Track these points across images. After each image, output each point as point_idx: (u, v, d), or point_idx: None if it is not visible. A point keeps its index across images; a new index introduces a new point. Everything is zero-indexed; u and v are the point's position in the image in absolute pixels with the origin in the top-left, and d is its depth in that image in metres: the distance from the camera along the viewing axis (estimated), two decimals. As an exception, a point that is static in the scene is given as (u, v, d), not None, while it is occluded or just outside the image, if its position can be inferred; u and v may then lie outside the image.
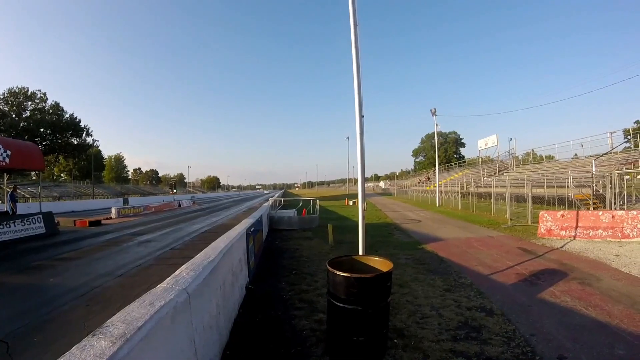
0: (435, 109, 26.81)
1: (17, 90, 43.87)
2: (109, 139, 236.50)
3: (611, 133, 22.12)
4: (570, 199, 15.68)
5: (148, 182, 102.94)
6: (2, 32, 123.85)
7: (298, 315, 4.13)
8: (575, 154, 26.45)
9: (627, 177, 13.37)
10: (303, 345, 3.35)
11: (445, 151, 72.18)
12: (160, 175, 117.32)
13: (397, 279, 5.39)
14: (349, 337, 2.93)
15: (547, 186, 19.41)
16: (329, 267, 3.09)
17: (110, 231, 13.62)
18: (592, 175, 15.86)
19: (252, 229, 6.16)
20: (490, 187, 20.04)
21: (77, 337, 1.62)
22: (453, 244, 9.05)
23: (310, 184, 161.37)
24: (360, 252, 4.86)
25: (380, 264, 3.43)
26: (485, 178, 32.07)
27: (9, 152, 11.07)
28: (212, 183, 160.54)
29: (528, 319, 3.91)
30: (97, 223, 16.14)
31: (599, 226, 8.86)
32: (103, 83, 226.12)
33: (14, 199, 13.54)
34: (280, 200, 21.72)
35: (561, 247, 8.13)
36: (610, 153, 21.51)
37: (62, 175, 63.98)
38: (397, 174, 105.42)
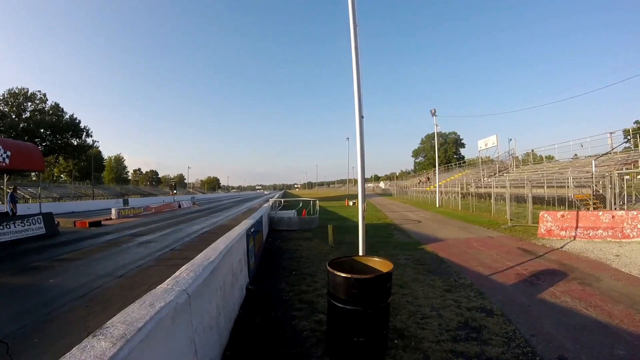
0: (435, 109, 26.85)
1: (17, 91, 43.90)
2: (108, 139, 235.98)
3: (611, 133, 22.17)
4: (570, 199, 15.69)
5: (148, 183, 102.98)
6: (2, 33, 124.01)
7: (298, 315, 4.13)
8: (575, 154, 26.50)
9: (627, 177, 13.38)
10: (303, 346, 3.35)
11: (445, 152, 72.22)
12: (160, 176, 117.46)
13: (397, 280, 5.39)
14: (349, 337, 2.93)
15: (547, 186, 19.42)
16: (329, 268, 3.09)
17: (110, 232, 13.62)
18: (592, 175, 15.87)
19: (252, 230, 6.16)
20: (490, 187, 20.06)
21: (77, 338, 1.63)
22: (453, 244, 9.05)
23: (310, 185, 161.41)
24: (361, 253, 4.86)
25: (381, 264, 3.43)
26: (485, 178, 32.08)
27: (9, 153, 11.07)
28: (212, 184, 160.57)
29: (528, 320, 3.91)
30: (97, 224, 16.14)
31: (599, 226, 8.86)
32: (103, 83, 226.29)
33: (14, 200, 13.55)
34: (280, 201, 21.76)
35: (561, 248, 8.13)
36: (610, 153, 21.53)
37: (62, 176, 63.97)
38: (397, 174, 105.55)
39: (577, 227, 9.13)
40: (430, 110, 26.98)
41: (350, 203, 28.14)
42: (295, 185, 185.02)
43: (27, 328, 4.03)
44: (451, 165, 55.27)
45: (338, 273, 2.96)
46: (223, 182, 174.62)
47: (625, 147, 22.98)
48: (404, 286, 5.23)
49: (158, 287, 2.17)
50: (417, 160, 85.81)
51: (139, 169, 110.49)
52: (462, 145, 78.02)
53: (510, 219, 12.66)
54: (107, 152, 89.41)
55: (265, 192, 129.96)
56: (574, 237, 9.02)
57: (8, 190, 14.48)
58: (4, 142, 11.58)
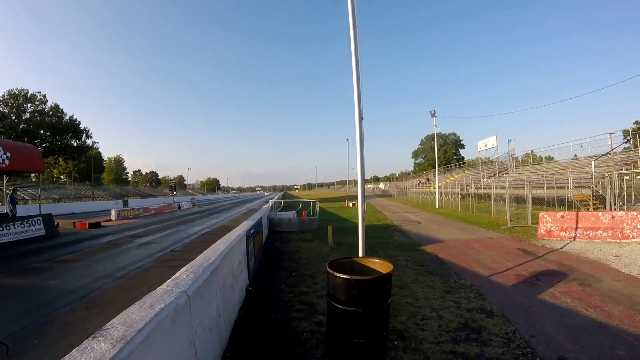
0: (434, 110, 26.87)
1: (16, 92, 43.95)
2: (108, 140, 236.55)
3: (610, 134, 22.21)
4: (570, 200, 15.70)
5: (148, 184, 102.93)
6: (2, 33, 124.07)
7: (298, 317, 4.13)
8: (575, 155, 26.51)
9: (627, 177, 13.38)
10: (303, 347, 3.35)
11: (444, 152, 72.28)
12: (160, 177, 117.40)
13: (397, 281, 5.39)
14: (349, 339, 2.92)
15: (546, 187, 19.42)
16: (328, 269, 3.09)
17: (109, 233, 13.61)
18: (591, 176, 15.88)
19: (251, 231, 6.16)
20: (490, 188, 20.08)
21: (77, 339, 1.63)
22: (453, 245, 9.05)
23: (310, 186, 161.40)
24: (360, 254, 4.86)
25: (380, 265, 3.43)
26: (485, 179, 32.09)
27: (8, 154, 11.07)
28: (212, 185, 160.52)
29: (528, 320, 3.91)
30: (97, 225, 16.12)
31: (599, 227, 8.87)
32: (103, 84, 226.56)
33: (13, 201, 13.53)
34: (280, 202, 21.77)
35: (561, 248, 8.13)
36: (610, 154, 21.56)
37: (61, 177, 63.91)
38: (397, 175, 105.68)
39: (576, 227, 9.14)
40: (430, 111, 27.02)
41: (350, 204, 28.14)
42: (295, 187, 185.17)
43: (27, 329, 4.02)
44: (451, 166, 55.29)
45: (338, 274, 2.96)
46: (223, 183, 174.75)
47: (624, 147, 23.03)
48: (403, 287, 5.23)
49: (158, 288, 2.17)
50: (417, 161, 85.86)
51: (139, 170, 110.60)
52: (462, 146, 78.16)
53: (510, 220, 12.66)
54: (107, 153, 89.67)
55: (265, 193, 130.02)
56: (574, 238, 9.02)
57: (8, 192, 14.47)
58: (3, 143, 11.58)
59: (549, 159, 29.61)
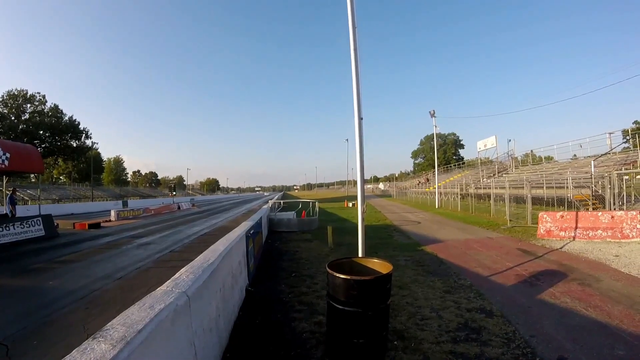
0: (434, 110, 26.86)
1: (16, 93, 43.94)
2: (108, 141, 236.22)
3: (610, 133, 22.21)
4: (569, 200, 15.72)
5: (147, 185, 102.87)
6: (1, 33, 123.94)
7: (298, 317, 4.13)
8: (574, 155, 26.52)
9: (626, 177, 13.41)
10: (303, 348, 3.35)
11: (444, 152, 72.30)
12: (159, 177, 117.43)
13: (396, 281, 5.39)
14: (348, 339, 2.93)
15: (546, 187, 19.44)
16: (328, 270, 3.09)
17: (109, 234, 13.60)
18: (591, 175, 15.90)
19: (251, 232, 6.16)
20: (490, 188, 20.10)
21: (77, 340, 1.63)
22: (452, 245, 9.06)
23: (309, 186, 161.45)
24: (360, 254, 4.86)
25: (380, 266, 3.43)
26: (485, 179, 32.11)
27: (8, 155, 11.07)
28: (212, 185, 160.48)
29: (528, 320, 3.91)
30: (97, 225, 16.11)
31: (599, 227, 8.87)
32: (102, 85, 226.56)
33: (13, 202, 13.53)
34: (280, 203, 21.76)
35: (561, 248, 8.14)
36: (609, 153, 21.58)
37: (61, 177, 63.88)
38: (397, 175, 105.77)
39: (576, 227, 9.15)
40: (430, 112, 27.01)
41: (350, 204, 28.14)
42: (295, 187, 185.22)
43: (27, 330, 4.02)
44: (450, 166, 55.33)
45: (337, 274, 2.96)
46: (222, 184, 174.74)
47: (624, 147, 23.04)
48: (403, 287, 5.23)
49: (158, 289, 2.17)
50: (417, 162, 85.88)
51: (138, 171, 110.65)
52: (462, 146, 78.17)
53: (510, 220, 12.67)
54: (107, 153, 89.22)
55: (265, 194, 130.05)
56: (574, 238, 9.03)
57: (7, 192, 14.46)
58: (3, 143, 11.58)
59: (549, 159, 29.64)
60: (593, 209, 13.50)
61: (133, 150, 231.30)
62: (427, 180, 49.92)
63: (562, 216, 9.63)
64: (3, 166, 10.90)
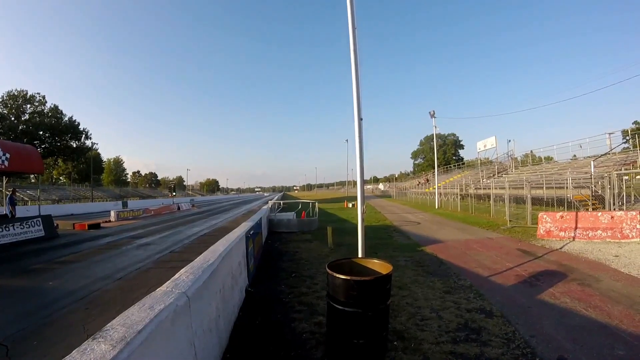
0: (434, 111, 26.87)
1: (16, 93, 43.94)
2: (108, 141, 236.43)
3: (610, 134, 22.24)
4: (569, 200, 15.72)
5: (147, 185, 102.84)
6: (1, 33, 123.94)
7: (298, 318, 4.12)
8: (574, 155, 26.53)
9: (626, 177, 13.42)
10: (303, 348, 3.35)
11: (444, 153, 72.34)
12: (159, 178, 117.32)
13: (396, 281, 5.39)
14: (348, 339, 2.93)
15: (546, 187, 19.44)
16: (328, 270, 3.09)
17: (109, 234, 13.60)
18: (590, 176, 15.90)
19: (251, 232, 6.16)
20: (489, 188, 20.10)
21: (77, 340, 1.63)
22: (452, 245, 9.06)
23: (309, 187, 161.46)
24: (360, 255, 4.86)
25: (380, 266, 3.43)
26: (484, 180, 32.12)
27: (8, 155, 11.07)
28: (211, 186, 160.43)
29: (528, 320, 3.91)
30: (96, 226, 16.10)
31: (598, 227, 8.88)
32: (102, 85, 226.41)
33: (13, 202, 13.51)
34: (280, 203, 21.75)
35: (560, 248, 8.14)
36: (609, 154, 21.59)
37: (61, 178, 63.85)
38: (396, 176, 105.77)
39: (576, 227, 9.15)
40: (429, 112, 27.03)
41: (350, 205, 28.13)
42: (295, 187, 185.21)
43: (27, 330, 4.02)
44: (450, 167, 55.36)
45: (337, 275, 2.96)
46: (222, 184, 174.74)
47: (624, 147, 23.05)
48: (403, 288, 5.23)
49: (158, 289, 2.17)
50: (416, 162, 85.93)
51: (138, 171, 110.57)
52: (461, 147, 78.22)
53: (510, 220, 12.67)
54: (106, 154, 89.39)
55: (265, 194, 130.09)
56: (573, 238, 9.03)
57: (7, 193, 14.46)
58: (3, 144, 11.58)
59: (548, 159, 29.67)
60: (593, 209, 13.50)
61: (133, 150, 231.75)
62: (427, 180, 49.94)
63: (561, 216, 9.63)
64: (3, 167, 10.90)
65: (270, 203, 17.64)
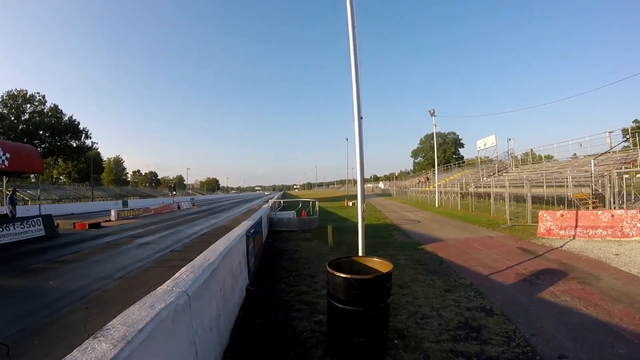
0: (434, 109, 26.85)
1: (16, 93, 43.91)
2: (108, 141, 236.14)
3: (610, 132, 22.21)
4: (569, 199, 15.72)
5: (147, 184, 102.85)
6: (1, 33, 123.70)
7: (298, 316, 4.13)
8: (574, 154, 26.52)
9: (626, 176, 13.42)
10: (303, 347, 3.35)
11: (444, 152, 72.29)
12: (159, 177, 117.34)
13: (396, 280, 5.40)
14: (349, 338, 2.93)
15: (546, 186, 19.44)
16: (328, 269, 3.10)
17: (109, 233, 13.61)
18: (591, 174, 15.90)
19: (251, 231, 6.16)
20: (490, 187, 20.10)
21: (77, 339, 1.63)
22: (453, 244, 9.06)
23: (309, 185, 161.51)
24: (360, 253, 4.86)
25: (380, 265, 3.43)
26: (485, 178, 32.11)
27: (8, 155, 11.06)
28: (212, 185, 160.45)
29: (528, 319, 3.91)
30: (97, 225, 16.12)
31: (599, 225, 8.88)
32: (102, 85, 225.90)
33: (13, 202, 13.52)
34: (280, 202, 21.75)
35: (561, 247, 8.14)
36: (609, 152, 21.58)
37: (61, 177, 63.87)
38: (397, 174, 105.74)
39: (576, 226, 9.15)
40: (429, 111, 27.01)
41: (350, 203, 28.14)
42: (295, 186, 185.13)
43: (27, 330, 4.02)
44: (450, 166, 55.32)
45: (338, 274, 2.97)
46: (222, 184, 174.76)
47: (624, 146, 23.04)
48: (403, 286, 5.24)
49: (158, 288, 2.17)
50: (417, 161, 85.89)
51: (138, 171, 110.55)
52: (461, 145, 78.14)
53: (510, 219, 12.67)
54: (107, 153, 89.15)
55: (265, 193, 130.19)
56: (574, 237, 9.03)
57: (7, 192, 14.47)
58: (3, 144, 11.58)
59: (549, 157, 29.59)
60: (593, 207, 13.50)
61: (133, 150, 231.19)
62: (427, 179, 49.92)
63: (562, 215, 9.63)
64: (3, 166, 10.90)
65: (270, 202, 17.65)
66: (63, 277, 6.68)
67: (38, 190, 18.94)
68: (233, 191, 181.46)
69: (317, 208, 15.69)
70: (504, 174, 30.66)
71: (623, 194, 12.26)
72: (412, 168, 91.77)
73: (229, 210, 27.91)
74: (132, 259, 8.26)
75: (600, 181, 14.55)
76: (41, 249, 10.06)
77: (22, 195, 36.90)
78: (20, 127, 42.70)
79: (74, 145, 50.08)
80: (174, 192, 46.76)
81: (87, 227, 15.61)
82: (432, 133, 29.99)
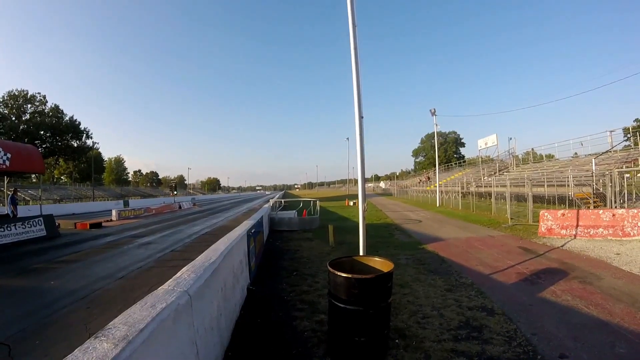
0: (434, 109, 26.84)
1: (16, 93, 44.02)
2: (108, 141, 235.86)
3: (611, 131, 22.13)
4: (570, 198, 15.68)
5: (148, 184, 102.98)
6: (1, 33, 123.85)
7: (299, 316, 4.13)
8: (575, 153, 26.46)
9: (627, 175, 13.40)
10: (304, 346, 3.35)
11: (445, 151, 72.19)
12: (160, 177, 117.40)
13: (397, 280, 5.40)
14: (350, 337, 2.93)
15: (547, 185, 19.41)
16: (329, 268, 3.10)
17: (110, 233, 13.63)
18: (592, 173, 15.87)
19: (252, 231, 6.16)
20: (491, 186, 20.05)
21: (78, 339, 1.63)
22: (454, 243, 9.05)
23: (310, 185, 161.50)
24: (361, 253, 4.86)
25: (381, 264, 3.43)
26: (486, 178, 32.06)
27: (9, 155, 11.08)
28: (213, 185, 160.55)
29: (529, 318, 3.91)
30: (98, 225, 16.14)
31: (600, 225, 8.86)
32: (103, 85, 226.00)
33: (14, 202, 13.54)
34: (281, 202, 21.76)
35: (562, 246, 8.13)
36: (610, 151, 21.52)
37: (62, 177, 63.98)
38: (397, 174, 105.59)
39: (577, 225, 9.13)
40: (430, 110, 27.00)
41: (351, 203, 28.14)
42: (296, 186, 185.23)
43: (29, 330, 4.03)
44: (451, 165, 55.26)
45: (339, 273, 2.96)
46: (223, 183, 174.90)
47: (625, 145, 22.97)
48: (404, 286, 5.23)
49: (159, 288, 2.17)
50: (417, 160, 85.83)
51: (139, 171, 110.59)
52: (462, 145, 78.05)
53: (511, 218, 12.66)
54: (107, 153, 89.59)
55: (266, 193, 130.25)
56: (575, 236, 9.01)
57: (9, 193, 14.50)
58: (4, 144, 11.60)
59: (550, 157, 29.50)
60: (594, 207, 13.47)
61: (133, 150, 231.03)
62: (428, 178, 49.85)
63: (563, 214, 9.62)
64: (4, 166, 10.92)
65: (271, 201, 17.66)
66: (64, 277, 6.69)
67: (39, 191, 18.96)
68: (234, 191, 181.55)
69: (318, 208, 15.69)
70: (505, 173, 30.61)
71: (624, 193, 12.23)
72: (413, 167, 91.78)
73: (229, 210, 27.93)
74: (133, 258, 8.27)
75: (601, 180, 14.52)
76: (42, 249, 10.08)
77: (23, 196, 36.98)
78: (21, 127, 42.81)
79: (75, 145, 50.20)
80: (175, 192, 46.76)
81: (88, 227, 15.63)
82: (433, 132, 29.97)
